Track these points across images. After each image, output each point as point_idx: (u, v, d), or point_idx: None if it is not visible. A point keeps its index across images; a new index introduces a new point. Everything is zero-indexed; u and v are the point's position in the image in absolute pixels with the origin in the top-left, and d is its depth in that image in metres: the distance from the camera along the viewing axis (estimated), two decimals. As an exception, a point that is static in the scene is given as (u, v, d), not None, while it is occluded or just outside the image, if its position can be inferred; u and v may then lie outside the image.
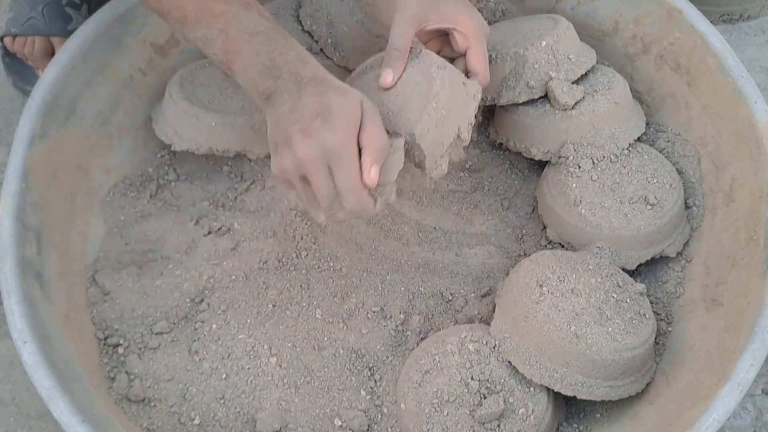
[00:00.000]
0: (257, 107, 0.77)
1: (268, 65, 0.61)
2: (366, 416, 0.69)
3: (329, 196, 0.60)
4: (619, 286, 0.68)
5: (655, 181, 0.75)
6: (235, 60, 0.61)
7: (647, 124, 0.81)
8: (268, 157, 0.80)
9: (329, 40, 0.78)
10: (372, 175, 0.59)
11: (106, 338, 0.69)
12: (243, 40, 0.61)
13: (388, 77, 0.65)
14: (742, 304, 0.66)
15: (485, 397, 0.64)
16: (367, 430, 0.68)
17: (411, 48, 0.67)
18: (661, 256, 0.75)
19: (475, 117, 0.87)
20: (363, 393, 0.70)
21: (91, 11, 0.88)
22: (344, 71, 0.80)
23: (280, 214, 0.79)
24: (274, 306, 0.73)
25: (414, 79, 0.65)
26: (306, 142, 0.58)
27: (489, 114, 0.86)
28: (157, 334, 0.70)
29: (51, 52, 0.93)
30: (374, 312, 0.74)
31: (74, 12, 0.91)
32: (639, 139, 0.79)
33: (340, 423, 0.68)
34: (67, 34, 0.88)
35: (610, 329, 0.64)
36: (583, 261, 0.69)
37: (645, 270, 0.77)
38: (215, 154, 0.77)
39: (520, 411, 0.64)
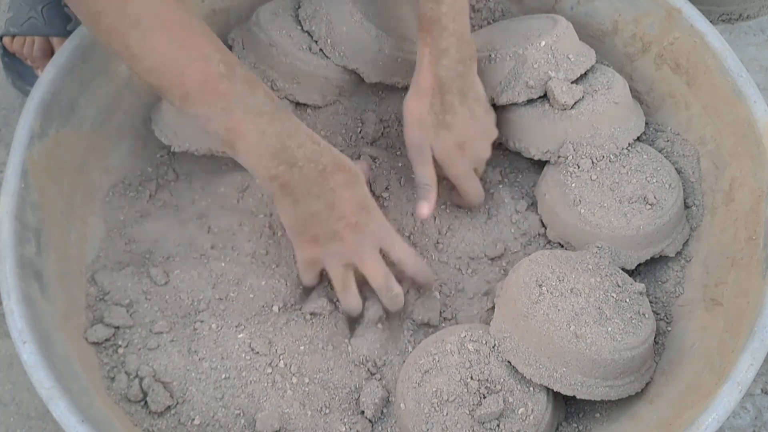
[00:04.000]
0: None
1: (278, 147, 0.60)
2: (366, 417, 0.69)
3: (385, 275, 0.68)
4: (619, 286, 0.68)
5: (654, 180, 0.75)
6: (239, 141, 0.60)
7: (647, 123, 0.81)
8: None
9: (329, 40, 0.78)
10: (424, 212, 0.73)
11: (105, 338, 0.69)
12: (247, 121, 0.59)
13: (424, 209, 0.73)
14: (741, 304, 0.66)
15: (485, 397, 0.64)
16: (367, 430, 0.68)
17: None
18: (661, 256, 0.75)
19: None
20: (363, 393, 0.70)
21: (90, 11, 0.88)
22: (343, 71, 0.80)
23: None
24: (274, 306, 0.73)
25: None
26: (358, 237, 0.66)
27: (488, 114, 0.86)
28: (156, 334, 0.70)
29: (50, 52, 0.93)
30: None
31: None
32: (638, 139, 0.79)
33: (339, 423, 0.68)
34: (66, 34, 0.87)
35: (609, 329, 0.64)
36: (582, 261, 0.70)
37: (644, 270, 0.77)
38: (215, 155, 0.77)
39: (520, 410, 0.64)
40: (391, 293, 0.69)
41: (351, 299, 0.70)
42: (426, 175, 0.74)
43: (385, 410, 0.69)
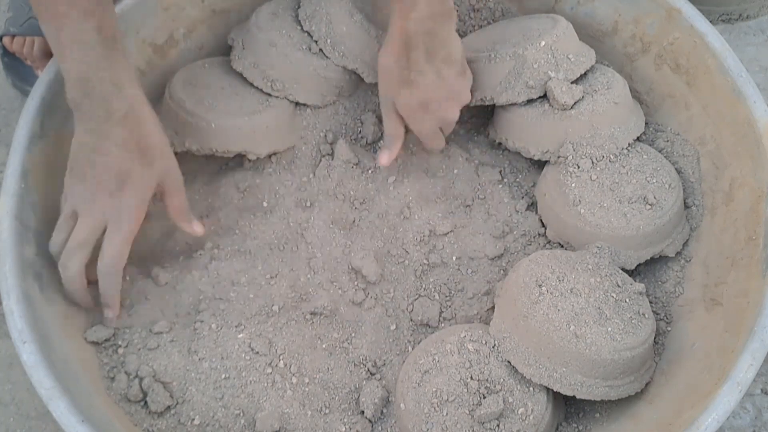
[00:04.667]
0: (256, 109, 0.77)
1: (82, 78, 0.63)
2: (366, 417, 0.69)
3: (81, 243, 0.65)
4: (619, 286, 0.68)
5: (654, 180, 0.75)
6: (60, 62, 0.63)
7: (646, 123, 0.81)
8: (269, 157, 0.80)
9: (328, 40, 0.78)
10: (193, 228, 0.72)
11: (105, 338, 0.69)
12: (70, 47, 0.62)
13: (383, 158, 0.77)
14: (741, 304, 0.66)
15: (484, 397, 0.64)
16: (367, 430, 0.68)
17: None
18: (661, 256, 0.75)
19: (474, 116, 0.87)
20: (363, 393, 0.70)
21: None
22: (343, 71, 0.80)
23: (281, 214, 0.79)
24: (274, 306, 0.73)
25: None
26: (94, 191, 0.64)
27: (488, 114, 0.86)
28: (156, 333, 0.70)
29: (50, 53, 0.92)
30: (374, 312, 0.74)
31: None
32: (638, 139, 0.79)
33: (339, 423, 0.68)
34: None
35: (609, 329, 0.64)
36: (582, 261, 0.70)
37: (644, 270, 0.77)
38: (215, 155, 0.77)
39: (520, 411, 0.64)
40: (65, 268, 0.66)
41: (55, 239, 0.67)
42: (390, 125, 0.76)
43: (385, 410, 0.69)
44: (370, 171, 0.82)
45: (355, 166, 0.81)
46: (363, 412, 0.69)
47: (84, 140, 0.64)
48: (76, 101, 0.64)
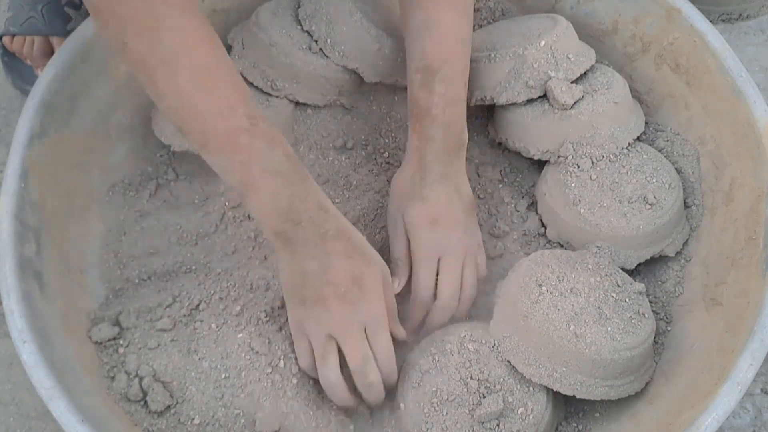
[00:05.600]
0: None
1: (287, 209, 0.60)
2: (365, 416, 0.69)
3: (364, 358, 0.64)
4: (619, 286, 0.68)
5: (654, 180, 0.75)
6: (252, 195, 0.60)
7: (646, 123, 0.81)
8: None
9: (329, 40, 0.78)
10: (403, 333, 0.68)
11: (109, 338, 0.69)
12: (263, 179, 0.59)
13: (396, 283, 0.71)
14: (741, 304, 0.66)
15: (484, 397, 0.64)
16: (367, 430, 0.68)
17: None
18: (660, 256, 0.75)
19: (475, 116, 0.87)
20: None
21: (90, 11, 0.88)
22: (343, 70, 0.80)
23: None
24: (274, 306, 0.73)
25: None
26: (345, 309, 0.62)
27: (488, 113, 0.86)
28: (156, 333, 0.70)
29: (50, 52, 0.93)
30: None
31: (74, 12, 0.91)
32: (638, 139, 0.79)
33: (339, 423, 0.68)
34: (66, 34, 0.87)
35: (609, 329, 0.64)
36: (582, 260, 0.70)
37: (644, 269, 0.77)
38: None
39: (520, 410, 0.64)
40: (366, 380, 0.65)
41: (328, 372, 0.65)
42: (398, 248, 0.72)
43: (385, 410, 0.69)
44: (369, 171, 0.82)
45: (357, 167, 0.81)
46: (363, 413, 0.69)
47: (309, 267, 0.62)
48: (285, 232, 0.61)
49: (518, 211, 0.80)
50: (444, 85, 0.69)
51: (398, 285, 0.71)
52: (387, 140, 0.85)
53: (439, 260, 0.71)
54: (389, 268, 0.67)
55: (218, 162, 0.60)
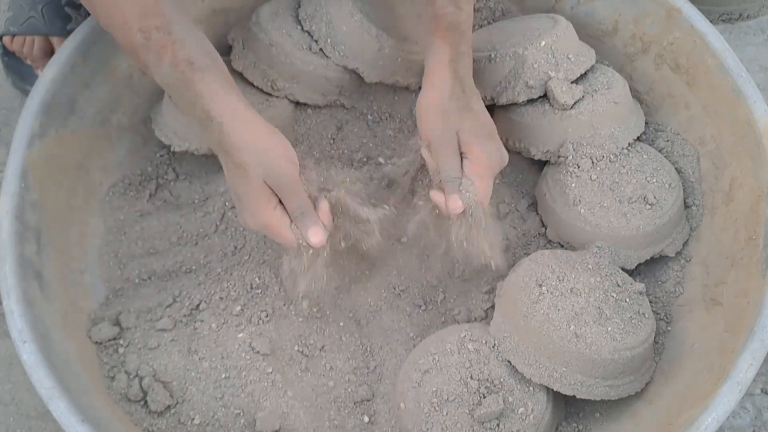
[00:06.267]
0: (256, 108, 0.77)
1: (187, 114, 0.64)
2: (366, 416, 0.69)
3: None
4: (619, 286, 0.68)
5: (654, 180, 0.75)
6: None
7: (646, 123, 0.81)
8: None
9: (329, 40, 0.78)
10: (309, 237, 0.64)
11: (109, 338, 0.69)
12: (164, 88, 0.63)
13: (458, 202, 0.67)
14: (741, 304, 0.66)
15: (485, 397, 0.64)
16: (367, 430, 0.68)
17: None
18: (661, 256, 0.75)
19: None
20: (363, 393, 0.70)
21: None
22: (343, 70, 0.80)
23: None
24: (274, 305, 0.73)
25: None
26: (243, 222, 0.65)
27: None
28: (157, 332, 0.70)
29: (50, 52, 0.93)
30: (373, 312, 0.74)
31: (74, 12, 0.91)
32: (638, 139, 0.79)
33: (339, 423, 0.68)
34: (66, 33, 0.87)
35: (609, 329, 0.64)
36: (582, 260, 0.70)
37: (644, 269, 0.77)
38: (215, 154, 0.77)
39: (520, 410, 0.64)
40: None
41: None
42: (456, 166, 0.68)
43: (385, 410, 0.69)
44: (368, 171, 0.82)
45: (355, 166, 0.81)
46: (362, 412, 0.69)
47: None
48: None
49: (518, 211, 0.80)
50: (468, 4, 0.69)
51: (461, 203, 0.67)
52: (387, 140, 0.85)
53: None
54: (446, 186, 0.67)
55: (148, 74, 0.63)
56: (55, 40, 0.92)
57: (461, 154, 0.69)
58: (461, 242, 0.70)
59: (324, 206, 0.65)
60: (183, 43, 0.61)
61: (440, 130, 0.68)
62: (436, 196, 0.69)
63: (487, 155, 0.69)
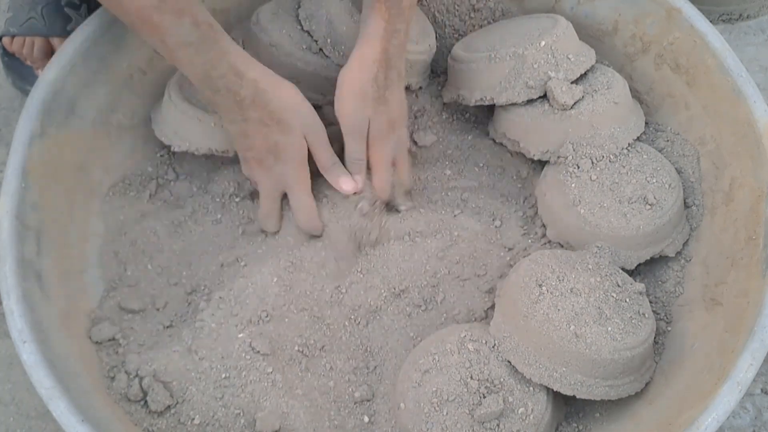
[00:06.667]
0: None
1: (202, 78, 0.65)
2: (366, 416, 0.69)
3: (266, 215, 0.75)
4: (619, 286, 0.68)
5: (654, 180, 0.75)
6: (180, 68, 0.66)
7: (646, 123, 0.81)
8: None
9: (329, 40, 0.78)
10: (341, 185, 0.73)
11: (109, 338, 0.69)
12: (179, 51, 0.64)
13: (351, 184, 0.74)
14: (741, 304, 0.66)
15: (485, 397, 0.64)
16: (367, 430, 0.68)
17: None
18: (661, 256, 0.75)
19: (475, 116, 0.87)
20: (362, 393, 0.70)
21: (90, 12, 0.88)
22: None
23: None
24: (274, 305, 0.73)
25: None
26: (263, 173, 0.72)
27: (488, 114, 0.86)
28: (157, 332, 0.70)
29: (50, 53, 0.93)
30: (373, 312, 0.74)
31: (74, 12, 0.91)
32: (638, 139, 0.79)
33: (339, 423, 0.68)
34: (66, 34, 0.87)
35: (609, 329, 0.64)
36: (582, 260, 0.70)
37: (644, 269, 0.77)
38: (215, 154, 0.77)
39: (520, 410, 0.64)
40: (264, 227, 0.76)
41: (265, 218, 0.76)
42: (360, 149, 0.74)
43: (385, 410, 0.69)
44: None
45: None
46: (362, 412, 0.69)
47: (233, 131, 0.70)
48: (208, 99, 0.68)
49: (518, 211, 0.80)
50: None
51: (358, 183, 0.74)
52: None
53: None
54: (343, 164, 0.74)
55: (154, 46, 0.65)
56: (55, 40, 0.92)
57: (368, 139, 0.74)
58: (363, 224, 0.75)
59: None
60: (200, 7, 0.63)
61: (352, 115, 0.73)
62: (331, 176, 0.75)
63: (387, 147, 0.75)
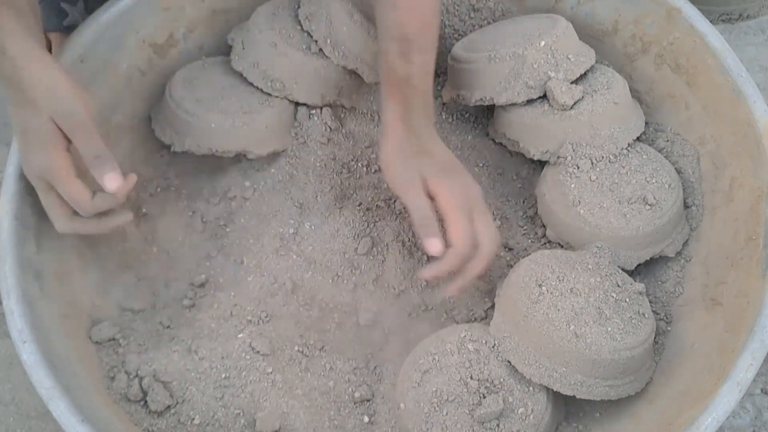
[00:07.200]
0: (256, 108, 0.77)
1: None
2: (366, 416, 0.69)
3: (47, 207, 0.64)
4: (619, 286, 0.68)
5: (654, 181, 0.75)
6: None
7: (646, 123, 0.81)
8: (269, 156, 0.80)
9: (329, 40, 0.78)
10: (105, 182, 0.62)
11: (109, 338, 0.69)
12: None
13: (437, 245, 0.65)
14: (741, 304, 0.66)
15: (484, 397, 0.64)
16: (367, 430, 0.68)
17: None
18: (660, 256, 0.75)
19: (475, 116, 0.87)
20: (362, 393, 0.70)
21: (87, 7, 0.88)
22: (343, 70, 0.80)
23: (280, 213, 0.79)
24: (274, 305, 0.73)
25: None
26: (25, 164, 0.64)
27: (488, 114, 0.86)
28: (156, 333, 0.70)
29: (48, 48, 0.92)
30: (374, 312, 0.74)
31: (70, 7, 0.90)
32: (638, 139, 0.79)
33: (339, 423, 0.68)
34: (62, 29, 0.87)
35: (609, 329, 0.64)
36: (582, 260, 0.70)
37: (644, 270, 0.77)
38: (215, 154, 0.77)
39: (520, 410, 0.64)
40: (68, 229, 0.65)
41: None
42: (424, 205, 0.67)
43: (385, 410, 0.69)
44: (369, 173, 0.82)
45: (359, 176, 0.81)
46: (362, 412, 0.69)
47: (9, 114, 0.63)
48: None
49: (518, 212, 0.80)
50: (421, 55, 0.69)
51: (440, 243, 0.65)
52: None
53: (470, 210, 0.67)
54: (419, 231, 0.65)
55: None
56: (51, 36, 0.92)
57: (430, 195, 0.67)
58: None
59: (132, 177, 0.65)
60: None
61: (401, 174, 0.68)
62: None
63: (450, 190, 0.67)
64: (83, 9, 0.89)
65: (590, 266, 0.69)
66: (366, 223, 0.79)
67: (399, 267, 0.76)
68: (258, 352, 0.69)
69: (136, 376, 0.67)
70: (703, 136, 0.77)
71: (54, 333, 0.64)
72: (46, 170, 0.62)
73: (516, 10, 0.88)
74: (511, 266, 0.76)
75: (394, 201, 0.80)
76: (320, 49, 0.79)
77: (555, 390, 0.64)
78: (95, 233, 0.67)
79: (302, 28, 0.79)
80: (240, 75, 0.79)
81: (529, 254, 0.72)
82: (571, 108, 0.76)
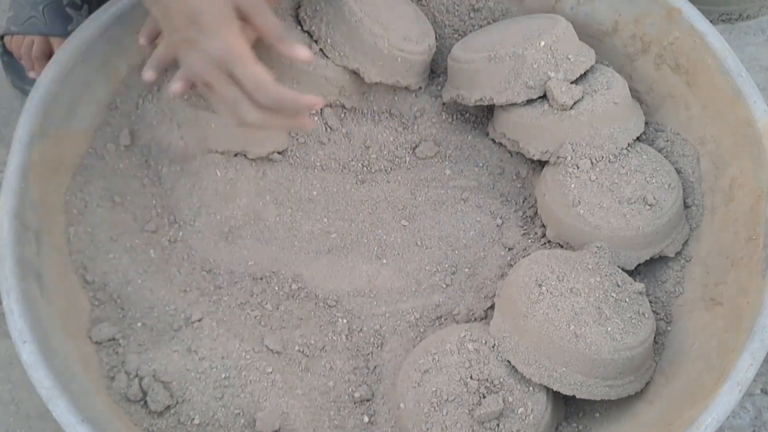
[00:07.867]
0: None
1: None
2: (366, 416, 0.69)
3: (235, 100, 0.59)
4: (618, 286, 0.68)
5: (654, 181, 0.75)
6: None
7: (646, 123, 0.81)
8: (269, 156, 0.80)
9: (329, 40, 0.78)
10: (297, 53, 0.59)
11: (109, 338, 0.69)
12: None
13: (305, 51, 0.64)
14: (741, 304, 0.66)
15: (484, 397, 0.64)
16: (367, 430, 0.69)
17: None
18: (660, 256, 0.75)
19: (475, 116, 0.87)
20: (362, 393, 0.70)
21: (91, 12, 0.88)
22: (343, 70, 0.80)
23: (281, 212, 0.79)
24: (274, 305, 0.73)
25: None
26: (192, 55, 0.58)
27: (488, 113, 0.86)
28: (156, 333, 0.70)
29: (49, 53, 0.93)
30: (374, 312, 0.74)
31: (75, 13, 0.91)
32: (638, 139, 0.79)
33: (339, 423, 0.68)
34: (66, 34, 0.87)
35: (609, 328, 0.64)
36: (582, 260, 0.70)
37: (644, 269, 0.77)
38: (215, 153, 0.77)
39: (519, 410, 0.64)
40: (246, 120, 0.61)
41: (223, 105, 0.61)
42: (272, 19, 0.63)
43: (385, 410, 0.69)
44: (369, 173, 0.82)
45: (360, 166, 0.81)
46: (362, 412, 0.69)
47: (154, 12, 0.59)
48: None
49: (518, 211, 0.80)
50: None
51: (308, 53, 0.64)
52: (387, 139, 0.85)
53: None
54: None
55: None
56: (55, 41, 0.92)
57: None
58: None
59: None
60: None
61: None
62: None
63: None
64: (88, 14, 0.89)
65: (590, 266, 0.69)
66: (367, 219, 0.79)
67: (400, 266, 0.76)
68: (258, 352, 0.69)
69: (136, 376, 0.67)
70: (703, 136, 0.77)
71: (54, 333, 0.64)
72: (225, 51, 0.57)
73: (516, 10, 0.88)
74: (511, 266, 0.76)
75: (398, 200, 0.80)
76: (320, 49, 0.79)
77: (555, 390, 0.64)
78: (284, 128, 0.64)
79: (302, 28, 0.79)
80: None
81: (529, 254, 0.72)
82: (571, 108, 0.76)
